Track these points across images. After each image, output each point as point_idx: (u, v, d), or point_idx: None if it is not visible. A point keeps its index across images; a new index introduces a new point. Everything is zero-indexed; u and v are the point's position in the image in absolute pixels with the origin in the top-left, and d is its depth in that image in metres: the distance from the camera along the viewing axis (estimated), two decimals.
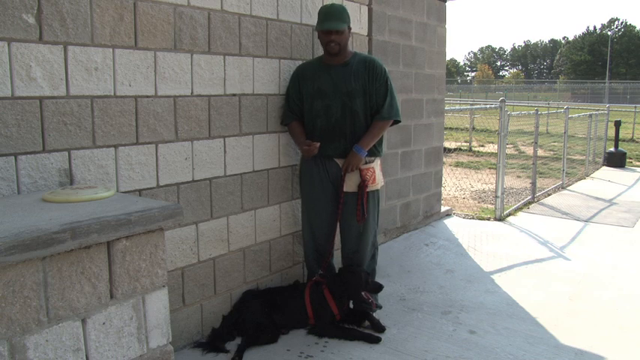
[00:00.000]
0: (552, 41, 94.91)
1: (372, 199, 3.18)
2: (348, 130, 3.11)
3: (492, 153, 11.53)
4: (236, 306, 3.07)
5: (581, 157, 10.04)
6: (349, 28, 3.10)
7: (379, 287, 3.14)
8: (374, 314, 3.19)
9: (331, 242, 3.28)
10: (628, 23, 75.88)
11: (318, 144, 3.05)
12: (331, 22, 3.01)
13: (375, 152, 3.17)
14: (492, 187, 6.36)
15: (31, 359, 1.48)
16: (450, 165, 9.98)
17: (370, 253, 3.29)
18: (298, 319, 3.08)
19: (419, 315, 3.35)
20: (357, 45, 3.89)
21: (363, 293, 3.06)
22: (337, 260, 3.49)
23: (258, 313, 2.98)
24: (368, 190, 3.13)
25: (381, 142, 3.21)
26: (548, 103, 24.45)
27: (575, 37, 78.98)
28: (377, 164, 3.19)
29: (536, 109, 7.59)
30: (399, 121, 3.23)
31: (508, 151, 8.30)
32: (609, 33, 69.81)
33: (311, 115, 3.16)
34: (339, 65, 3.12)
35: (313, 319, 3.08)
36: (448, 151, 10.21)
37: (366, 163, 3.12)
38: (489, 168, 9.58)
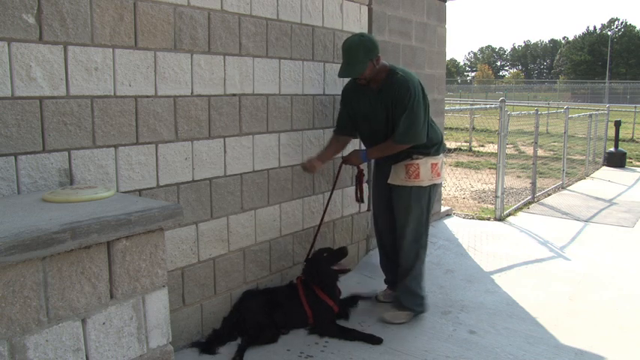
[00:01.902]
0: (552, 41, 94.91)
1: (415, 194, 3.20)
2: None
3: (492, 153, 11.52)
4: (236, 306, 3.07)
5: (581, 157, 10.04)
6: (375, 59, 3.01)
7: (343, 251, 3.24)
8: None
9: (389, 234, 3.43)
10: (628, 23, 75.92)
11: (315, 170, 3.30)
12: (347, 68, 3.04)
13: (423, 152, 3.18)
14: (492, 187, 6.37)
15: (31, 359, 1.48)
16: (450, 165, 9.98)
17: (412, 250, 3.27)
18: (298, 319, 3.09)
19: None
20: None
21: (335, 267, 3.20)
22: None
23: (258, 313, 2.98)
24: (410, 185, 3.19)
25: (433, 143, 3.20)
26: (548, 103, 24.45)
27: (575, 37, 79.03)
28: (425, 162, 3.18)
29: (536, 109, 7.59)
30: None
31: (508, 151, 8.30)
32: (609, 33, 69.81)
33: (360, 134, 3.39)
34: (375, 91, 3.12)
35: (312, 319, 3.08)
36: (448, 151, 10.20)
37: (412, 159, 3.17)
38: (489, 168, 9.58)
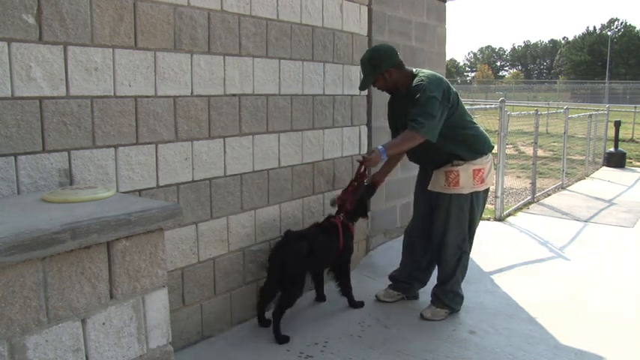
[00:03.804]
0: (552, 41, 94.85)
1: (455, 202, 3.22)
2: (431, 151, 3.13)
3: (492, 153, 11.50)
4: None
5: (581, 158, 10.05)
6: (385, 72, 3.15)
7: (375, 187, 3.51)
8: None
9: (422, 239, 3.50)
10: (628, 23, 75.94)
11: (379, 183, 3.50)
12: (361, 81, 3.30)
13: (464, 157, 3.18)
14: (492, 187, 6.37)
15: (31, 359, 1.48)
16: None
17: (455, 255, 3.31)
18: (335, 254, 3.28)
19: (418, 315, 3.35)
20: (356, 45, 3.90)
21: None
22: None
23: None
24: (449, 192, 3.21)
25: (472, 146, 3.20)
26: (548, 104, 24.46)
27: (575, 37, 78.94)
28: (466, 168, 3.18)
29: (536, 110, 7.60)
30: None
31: (508, 152, 8.30)
32: (609, 33, 69.80)
33: None
34: (404, 96, 3.18)
35: (342, 251, 3.28)
36: None
37: (452, 165, 3.18)
38: None
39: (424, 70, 3.21)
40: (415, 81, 3.10)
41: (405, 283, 3.58)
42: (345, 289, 3.41)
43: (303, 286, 3.09)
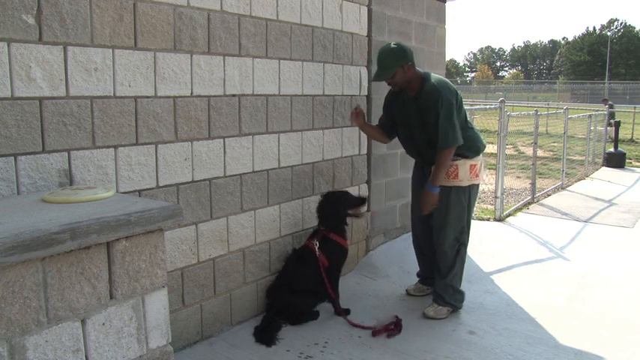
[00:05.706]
0: (552, 42, 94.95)
1: (455, 194, 3.31)
2: (432, 154, 3.27)
3: (492, 153, 11.50)
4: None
5: (581, 158, 10.05)
6: (404, 66, 3.19)
7: (363, 200, 3.48)
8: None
9: (425, 238, 3.58)
10: (627, 24, 75.98)
11: (356, 119, 3.58)
12: (377, 73, 3.28)
13: (462, 154, 3.28)
14: (492, 187, 6.38)
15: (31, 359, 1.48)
16: None
17: (454, 248, 3.38)
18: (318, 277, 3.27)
19: (418, 315, 3.35)
20: (356, 45, 3.90)
21: (350, 211, 3.38)
22: None
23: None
24: (449, 185, 3.30)
25: (469, 146, 3.30)
26: (548, 104, 24.46)
27: (574, 37, 79.03)
28: (464, 163, 3.30)
29: (536, 110, 7.60)
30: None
31: (508, 152, 8.31)
32: (609, 33, 69.86)
33: (400, 139, 3.57)
34: (412, 98, 3.28)
35: (328, 263, 3.27)
36: None
37: (451, 160, 3.28)
38: (489, 168, 9.52)
39: (433, 75, 3.30)
40: (427, 87, 3.19)
41: (430, 278, 3.65)
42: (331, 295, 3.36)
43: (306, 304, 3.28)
